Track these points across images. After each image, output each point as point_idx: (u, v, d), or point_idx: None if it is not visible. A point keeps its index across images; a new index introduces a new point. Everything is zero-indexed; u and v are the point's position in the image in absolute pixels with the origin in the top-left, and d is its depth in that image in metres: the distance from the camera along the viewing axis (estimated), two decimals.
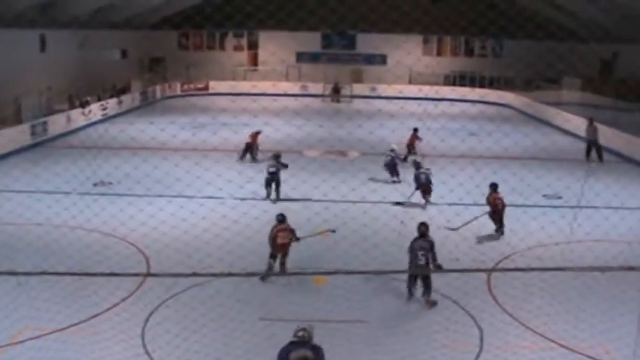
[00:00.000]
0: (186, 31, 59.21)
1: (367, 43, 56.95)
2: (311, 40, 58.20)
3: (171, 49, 58.07)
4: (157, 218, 17.03)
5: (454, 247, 16.48)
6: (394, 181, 24.26)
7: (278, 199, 22.05)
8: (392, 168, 24.78)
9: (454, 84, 56.26)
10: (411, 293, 14.27)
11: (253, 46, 60.09)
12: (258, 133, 28.76)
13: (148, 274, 15.62)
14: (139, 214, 17.15)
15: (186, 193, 22.00)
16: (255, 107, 32.08)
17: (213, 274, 14.83)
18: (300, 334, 9.38)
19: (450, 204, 20.82)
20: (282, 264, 15.80)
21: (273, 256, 15.66)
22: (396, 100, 45.74)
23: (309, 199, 21.28)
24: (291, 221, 16.67)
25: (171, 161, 23.60)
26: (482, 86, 54.77)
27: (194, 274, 15.01)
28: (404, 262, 15.11)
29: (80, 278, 15.02)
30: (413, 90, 52.28)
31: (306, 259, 16.47)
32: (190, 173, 21.98)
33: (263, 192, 22.33)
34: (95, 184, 23.74)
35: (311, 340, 9.37)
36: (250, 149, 28.24)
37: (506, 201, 19.39)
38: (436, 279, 15.05)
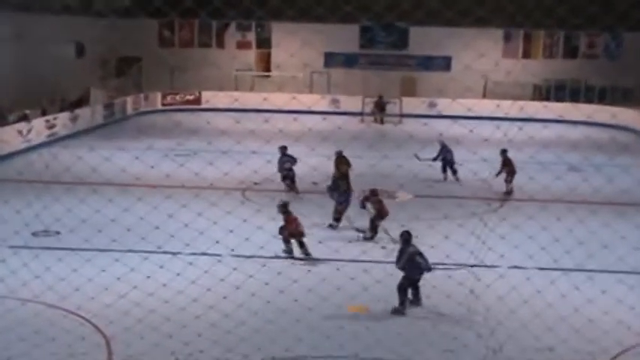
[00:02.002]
0: (171, 20, 59.55)
1: (424, 40, 57.22)
2: (345, 36, 58.58)
3: (149, 46, 58.57)
4: (126, 282, 17.00)
5: (546, 331, 16.28)
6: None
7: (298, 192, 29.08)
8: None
9: (548, 98, 56.17)
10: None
11: (265, 43, 60.59)
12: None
13: None
14: (99, 276, 17.08)
15: (169, 248, 22.00)
16: (268, 129, 32.17)
17: None
18: None
19: (541, 268, 20.62)
20: (302, 244, 21.99)
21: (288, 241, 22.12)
22: (465, 121, 45.69)
23: (342, 260, 21.21)
24: (318, 291, 16.73)
25: (148, 202, 23.61)
26: (589, 100, 54.55)
27: None
28: (474, 348, 15.06)
29: None
30: (488, 106, 52.19)
31: (333, 343, 16.36)
32: (175, 219, 21.97)
33: (276, 247, 22.31)
34: (35, 234, 23.80)
35: None
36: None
37: (625, 266, 19.21)
38: None
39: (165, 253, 21.65)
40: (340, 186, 27.81)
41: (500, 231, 21.43)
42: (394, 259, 19.26)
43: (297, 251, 22.35)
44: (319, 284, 18.38)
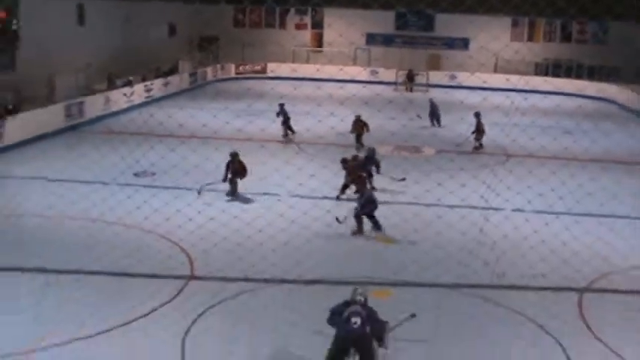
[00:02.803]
0: (243, 7, 59.53)
1: (447, 24, 56.53)
2: (383, 20, 57.98)
3: (225, 27, 58.46)
4: (206, 214, 17.13)
5: (540, 262, 16.26)
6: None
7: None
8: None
9: (547, 74, 55.42)
10: None
11: (318, 25, 60.15)
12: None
13: (193, 277, 15.76)
14: (185, 208, 17.25)
15: (240, 189, 22.13)
16: (320, 94, 32.13)
17: (266, 280, 14.96)
18: (357, 297, 11.29)
19: (538, 211, 20.52)
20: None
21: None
22: (480, 91, 45.30)
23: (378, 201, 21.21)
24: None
25: (223, 152, 23.69)
26: (580, 77, 53.82)
27: (245, 279, 15.27)
28: (481, 274, 15.06)
29: (116, 279, 15.29)
30: (499, 80, 51.62)
31: (370, 269, 16.43)
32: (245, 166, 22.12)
33: (325, 190, 22.38)
34: (137, 174, 24.03)
35: (365, 302, 11.21)
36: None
37: (605, 211, 19.08)
38: (518, 298, 14.90)
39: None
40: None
41: (506, 181, 21.30)
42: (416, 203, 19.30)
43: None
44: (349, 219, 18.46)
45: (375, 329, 11.09)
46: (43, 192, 20.98)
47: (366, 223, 19.10)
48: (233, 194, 21.91)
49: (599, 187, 21.26)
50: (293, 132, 31.40)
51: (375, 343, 11.14)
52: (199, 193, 21.01)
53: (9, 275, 15.02)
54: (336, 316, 11.23)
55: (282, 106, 31.67)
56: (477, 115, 31.29)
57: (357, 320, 10.96)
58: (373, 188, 21.77)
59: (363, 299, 11.28)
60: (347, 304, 11.24)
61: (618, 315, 14.34)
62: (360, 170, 22.04)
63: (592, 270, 16.47)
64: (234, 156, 21.98)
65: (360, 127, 29.93)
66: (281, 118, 31.39)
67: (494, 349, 12.73)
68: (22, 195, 20.59)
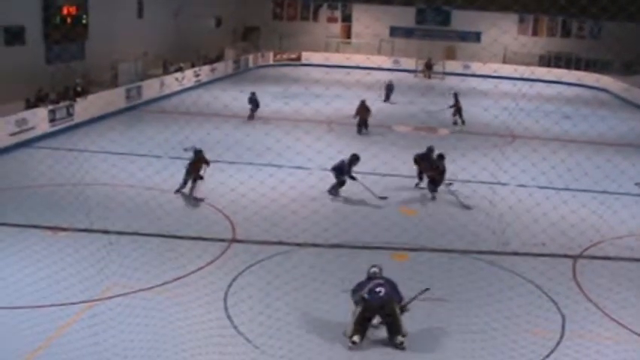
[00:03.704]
0: (281, 1, 59.49)
1: (462, 19, 56.06)
2: (405, 15, 57.57)
3: (265, 19, 58.44)
4: (246, 185, 17.21)
5: (541, 232, 16.24)
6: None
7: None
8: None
9: (550, 65, 54.87)
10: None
11: (347, 18, 59.80)
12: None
13: (234, 240, 15.90)
14: (228, 180, 17.35)
15: (276, 162, 22.21)
16: (349, 79, 32.07)
17: (299, 244, 15.07)
18: (372, 270, 11.72)
19: (540, 187, 20.42)
20: None
21: None
22: (490, 79, 44.97)
23: (399, 175, 21.22)
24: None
25: (262, 130, 23.82)
26: (578, 68, 53.21)
27: (279, 243, 15.40)
28: (489, 241, 15.10)
29: (168, 240, 15.51)
30: (508, 69, 51.08)
31: (389, 234, 16.48)
32: (281, 142, 22.16)
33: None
34: (186, 149, 24.12)
35: (381, 274, 11.69)
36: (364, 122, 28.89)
37: (598, 187, 19.01)
38: (521, 263, 14.93)
39: (273, 165, 21.82)
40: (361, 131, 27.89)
41: (512, 159, 21.23)
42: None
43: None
44: (382, 191, 18.48)
45: (396, 297, 11.45)
46: (107, 164, 21.19)
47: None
48: (180, 190, 19.22)
49: (594, 166, 21.10)
50: (253, 115, 30.49)
51: (397, 308, 11.36)
52: (185, 150, 20.52)
53: (78, 236, 15.29)
54: (360, 289, 11.51)
55: (253, 94, 31.01)
56: (455, 95, 31.92)
57: (381, 289, 11.31)
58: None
59: (378, 270, 11.78)
60: (368, 279, 11.61)
61: (607, 279, 14.33)
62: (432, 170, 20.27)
63: (585, 239, 16.45)
64: (198, 153, 19.47)
65: (364, 111, 28.96)
66: (249, 106, 30.65)
67: (497, 306, 12.76)
68: (88, 166, 20.81)
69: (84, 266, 13.62)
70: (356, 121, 28.69)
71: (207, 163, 19.28)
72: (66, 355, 10.46)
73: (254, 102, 30.49)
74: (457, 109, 31.54)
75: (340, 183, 19.45)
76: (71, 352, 10.54)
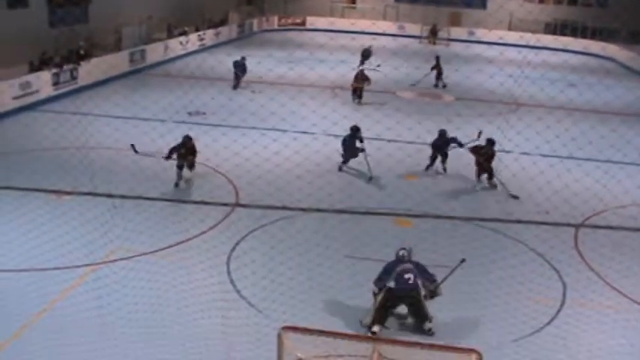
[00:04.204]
0: None
1: None
2: None
3: None
4: (250, 150, 17.19)
5: (544, 200, 16.21)
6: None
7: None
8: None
9: (556, 33, 54.42)
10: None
11: None
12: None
13: (237, 205, 15.91)
14: (232, 144, 17.30)
15: (280, 127, 22.15)
16: (354, 45, 31.90)
17: (303, 209, 15.07)
18: (401, 253, 11.09)
19: (544, 155, 20.37)
20: None
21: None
22: (496, 46, 44.70)
23: (403, 141, 21.16)
24: (384, 163, 16.75)
25: (266, 94, 23.75)
26: (584, 36, 52.78)
27: (283, 208, 15.38)
28: (493, 209, 15.10)
29: (172, 204, 15.53)
30: (513, 37, 50.76)
31: (393, 201, 16.49)
32: (285, 107, 22.07)
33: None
34: (190, 113, 24.12)
35: (410, 257, 11.11)
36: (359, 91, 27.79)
37: (602, 157, 18.94)
38: (523, 231, 14.93)
39: (277, 130, 21.76)
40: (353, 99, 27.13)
41: (516, 127, 21.14)
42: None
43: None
44: (386, 158, 18.44)
45: (426, 280, 11.00)
46: (110, 128, 21.15)
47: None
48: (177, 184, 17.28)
49: (598, 136, 21.03)
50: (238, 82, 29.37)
51: (423, 294, 11.03)
52: (133, 147, 18.12)
53: (82, 199, 15.31)
54: (386, 276, 10.96)
55: (243, 58, 29.89)
56: (437, 58, 32.14)
57: (410, 276, 10.86)
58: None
59: (407, 253, 11.13)
60: (395, 262, 11.05)
61: (609, 248, 14.35)
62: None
63: (588, 208, 16.41)
64: (187, 141, 17.26)
65: (359, 79, 27.69)
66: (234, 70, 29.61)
67: (500, 273, 12.78)
68: (92, 130, 20.78)
69: (88, 230, 13.67)
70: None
71: (193, 153, 17.41)
72: (70, 318, 10.54)
73: (241, 67, 29.54)
74: (438, 72, 31.51)
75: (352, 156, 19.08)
76: (75, 314, 10.63)
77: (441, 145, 19.20)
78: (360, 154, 18.77)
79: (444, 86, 31.48)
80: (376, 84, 28.74)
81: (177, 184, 17.15)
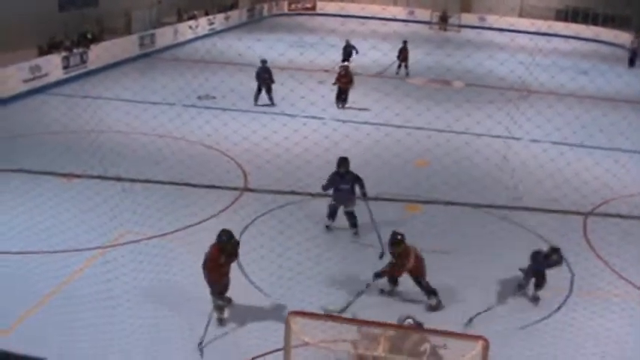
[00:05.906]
0: None
1: None
2: None
3: None
4: (259, 134, 17.20)
5: (554, 188, 16.18)
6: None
7: None
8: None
9: (567, 20, 54.09)
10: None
11: None
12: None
13: (246, 189, 15.94)
14: (241, 129, 17.28)
15: (290, 112, 22.13)
16: (364, 30, 31.76)
17: (311, 194, 15.08)
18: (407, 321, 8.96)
19: (554, 142, 20.30)
20: None
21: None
22: (507, 33, 44.46)
23: (412, 127, 21.11)
24: (394, 149, 16.73)
25: (276, 79, 23.69)
26: (596, 24, 52.42)
27: (292, 192, 15.41)
28: (502, 196, 15.07)
29: (180, 188, 15.57)
30: (524, 23, 50.62)
31: (402, 186, 16.48)
32: (295, 92, 22.05)
33: (366, 115, 22.28)
34: (200, 97, 24.12)
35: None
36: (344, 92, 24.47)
37: (612, 145, 18.85)
38: (531, 218, 14.91)
39: (287, 115, 21.77)
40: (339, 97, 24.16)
41: (527, 114, 21.07)
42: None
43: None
44: (395, 144, 18.41)
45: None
46: (120, 111, 21.18)
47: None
48: None
49: (609, 123, 20.94)
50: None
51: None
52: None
53: (91, 182, 15.36)
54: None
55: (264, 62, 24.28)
56: (404, 42, 31.57)
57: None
58: None
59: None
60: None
61: (617, 237, 14.30)
62: None
63: (598, 197, 16.32)
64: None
65: (347, 80, 24.29)
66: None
67: (507, 260, 12.76)
68: (102, 113, 20.82)
69: (97, 213, 13.74)
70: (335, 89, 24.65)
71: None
72: (79, 300, 10.59)
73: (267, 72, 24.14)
74: (404, 58, 31.16)
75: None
76: (84, 296, 10.68)
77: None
78: (359, 202, 13.61)
79: (407, 75, 30.99)
80: (387, 69, 28.63)
81: None
